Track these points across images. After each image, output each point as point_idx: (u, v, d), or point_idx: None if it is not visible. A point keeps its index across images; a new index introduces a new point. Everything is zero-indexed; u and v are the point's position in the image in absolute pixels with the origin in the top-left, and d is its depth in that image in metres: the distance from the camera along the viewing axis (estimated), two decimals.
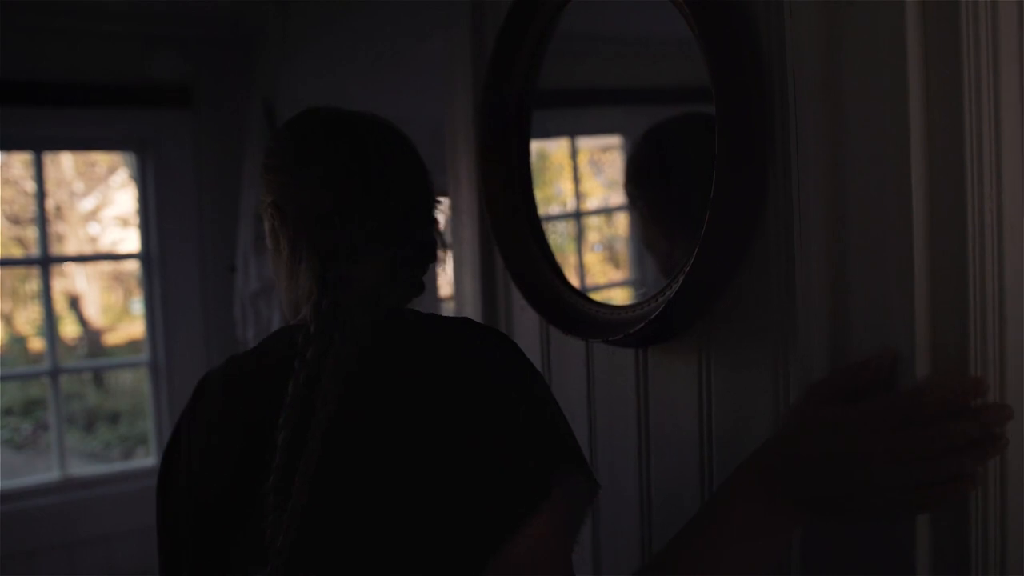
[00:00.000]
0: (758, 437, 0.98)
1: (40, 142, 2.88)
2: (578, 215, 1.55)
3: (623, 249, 1.46)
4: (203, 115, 2.94)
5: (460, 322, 0.84)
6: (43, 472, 3.05)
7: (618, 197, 1.56)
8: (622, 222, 1.45)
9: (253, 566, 0.78)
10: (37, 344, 4.46)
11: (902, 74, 0.71)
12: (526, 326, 1.41)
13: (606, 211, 1.60)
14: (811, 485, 0.70)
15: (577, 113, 1.53)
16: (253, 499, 0.80)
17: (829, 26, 0.77)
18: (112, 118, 2.87)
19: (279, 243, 0.92)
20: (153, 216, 2.96)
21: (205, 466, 0.87)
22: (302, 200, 0.88)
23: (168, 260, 2.94)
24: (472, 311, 1.52)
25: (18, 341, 4.78)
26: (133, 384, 4.42)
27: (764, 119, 0.94)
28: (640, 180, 1.24)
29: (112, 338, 5.37)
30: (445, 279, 4.95)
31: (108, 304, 5.39)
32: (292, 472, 0.77)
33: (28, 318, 4.70)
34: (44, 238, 2.97)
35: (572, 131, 1.52)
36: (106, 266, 5.18)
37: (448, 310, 4.98)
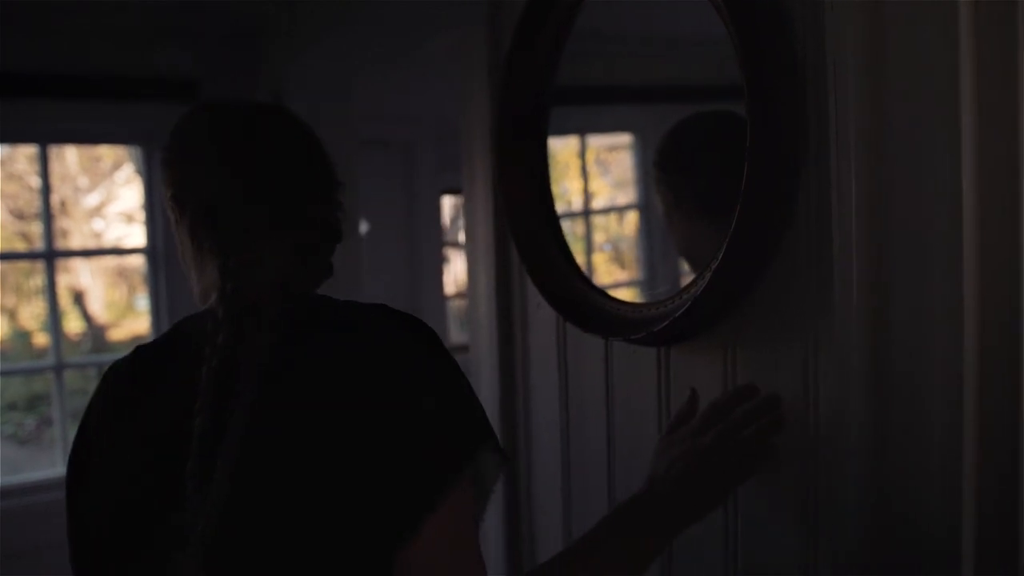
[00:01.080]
0: (785, 440, 0.96)
1: (44, 135, 2.84)
2: (587, 214, 1.53)
3: (629, 249, 1.45)
4: None
5: (375, 309, 0.85)
6: (47, 468, 3.03)
7: (624, 196, 1.54)
8: (630, 221, 1.43)
9: (172, 551, 0.78)
10: (41, 339, 4.44)
11: (952, 69, 0.69)
12: (542, 324, 1.38)
13: (617, 210, 1.58)
14: (672, 485, 0.93)
15: (595, 111, 1.51)
16: (167, 485, 0.80)
17: (873, 20, 0.74)
18: (117, 112, 2.83)
19: (182, 235, 0.93)
20: (159, 210, 2.93)
21: (117, 456, 0.87)
22: (198, 190, 0.90)
23: (173, 254, 2.90)
24: (487, 308, 1.50)
25: (22, 336, 4.76)
26: None
27: (798, 111, 0.91)
28: (669, 165, 1.21)
29: (116, 334, 5.35)
30: (450, 278, 4.93)
31: (112, 300, 5.37)
32: (210, 459, 0.79)
33: (32, 313, 4.68)
34: (49, 232, 2.94)
35: (585, 129, 1.50)
36: (110, 261, 5.16)
37: (454, 308, 4.95)
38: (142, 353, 0.93)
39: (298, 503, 0.77)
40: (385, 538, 0.75)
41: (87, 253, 4.66)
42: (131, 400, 0.88)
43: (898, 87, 0.73)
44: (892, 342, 0.77)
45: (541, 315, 1.38)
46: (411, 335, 0.83)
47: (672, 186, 1.22)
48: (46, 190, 2.91)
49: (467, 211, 1.58)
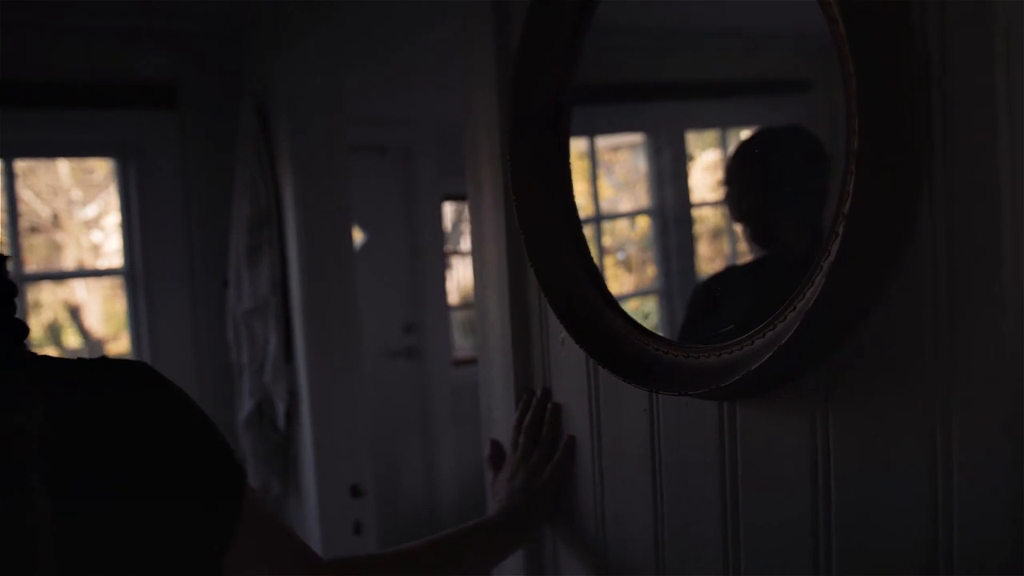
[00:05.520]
0: (900, 521, 0.74)
1: (8, 148, 2.59)
2: (598, 219, 1.35)
3: (639, 254, 1.31)
4: (190, 116, 2.67)
5: (101, 361, 0.85)
6: None
7: (630, 198, 1.41)
8: (640, 226, 1.32)
9: None
10: None
11: None
12: (567, 364, 1.15)
13: (630, 215, 1.43)
14: (527, 503, 1.14)
15: (610, 109, 1.35)
16: None
17: None
18: (89, 121, 2.60)
19: None
20: (136, 228, 2.69)
21: None
22: None
23: (153, 276, 2.68)
24: (501, 344, 1.27)
25: None
26: None
27: (916, 101, 0.69)
28: (731, 180, 1.03)
29: (116, 347, 5.18)
30: (452, 286, 4.71)
31: (111, 312, 5.20)
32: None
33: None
34: (17, 255, 2.71)
35: (595, 129, 1.33)
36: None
37: (457, 319, 4.72)
38: None
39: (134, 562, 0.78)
40: (215, 544, 0.82)
41: (58, 276, 4.41)
42: None
43: None
44: None
45: (566, 353, 1.15)
46: (155, 378, 0.85)
47: (733, 200, 1.04)
48: (12, 210, 2.68)
49: (474, 226, 1.35)
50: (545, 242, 1.10)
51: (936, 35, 0.68)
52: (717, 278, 1.17)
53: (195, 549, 0.81)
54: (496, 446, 1.27)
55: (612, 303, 1.06)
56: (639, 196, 1.35)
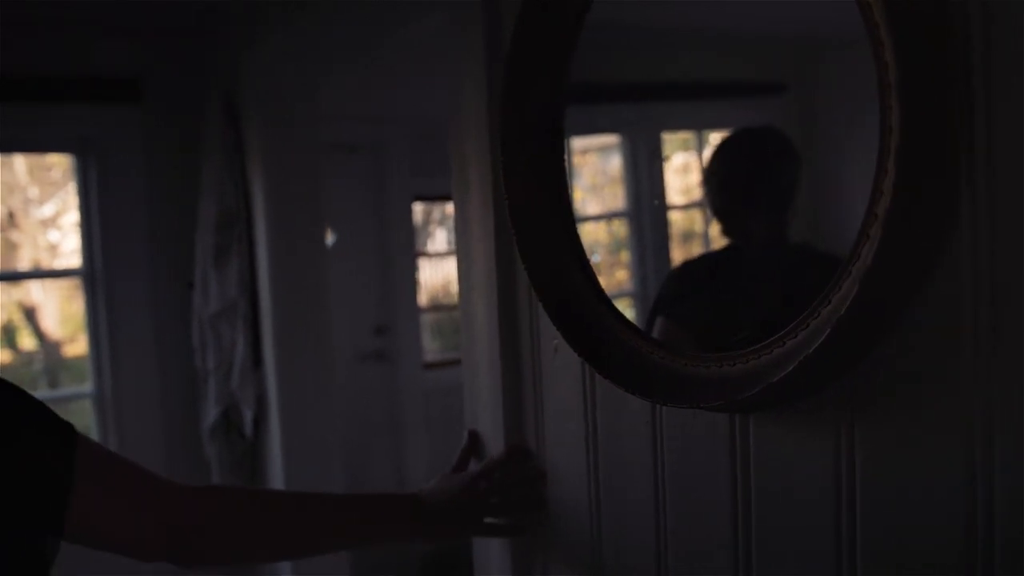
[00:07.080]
0: (933, 547, 0.69)
1: None
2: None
3: (610, 256, 1.28)
4: (154, 112, 2.57)
5: None
6: None
7: (597, 202, 1.37)
8: (614, 228, 1.30)
9: None
10: None
11: None
12: (561, 371, 1.09)
13: (607, 217, 1.39)
14: (447, 514, 1.09)
15: (590, 110, 1.31)
16: None
17: None
18: (49, 116, 2.49)
19: None
20: (96, 227, 2.58)
21: None
22: None
23: (115, 278, 2.57)
24: (488, 349, 1.20)
25: None
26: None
27: (957, 92, 0.64)
28: (709, 181, 1.03)
29: (73, 349, 5.03)
30: (421, 288, 4.63)
31: (69, 314, 5.05)
32: None
33: None
34: None
35: (574, 129, 1.29)
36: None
37: (425, 322, 4.64)
38: None
39: None
40: (53, 500, 0.84)
41: (13, 276, 4.26)
42: None
43: None
44: None
45: (559, 359, 1.09)
46: None
47: (709, 199, 1.04)
48: None
49: (459, 227, 1.28)
50: (538, 243, 1.04)
51: (979, 19, 0.63)
52: (690, 265, 1.13)
53: (34, 508, 0.83)
54: (474, 439, 1.23)
55: (611, 307, 1.01)
56: (606, 199, 1.31)
